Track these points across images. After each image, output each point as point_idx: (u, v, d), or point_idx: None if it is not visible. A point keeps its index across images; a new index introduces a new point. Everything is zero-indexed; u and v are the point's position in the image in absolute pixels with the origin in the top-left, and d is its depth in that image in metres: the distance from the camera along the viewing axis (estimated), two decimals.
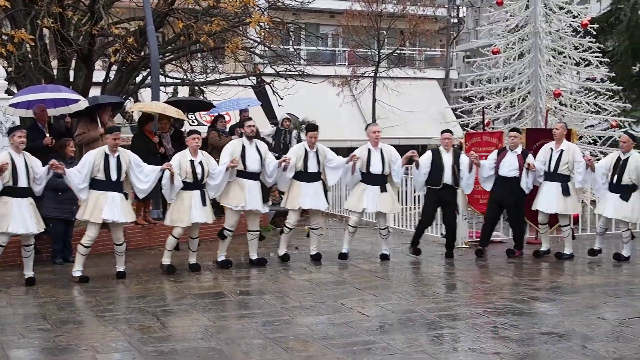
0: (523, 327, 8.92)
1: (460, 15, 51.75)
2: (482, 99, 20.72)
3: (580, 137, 18.91)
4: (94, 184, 11.75)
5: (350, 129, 38.02)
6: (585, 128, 19.92)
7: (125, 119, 22.13)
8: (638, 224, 15.52)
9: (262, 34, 20.15)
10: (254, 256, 13.29)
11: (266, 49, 22.66)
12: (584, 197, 16.85)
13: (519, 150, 14.00)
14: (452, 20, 48.24)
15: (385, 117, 37.56)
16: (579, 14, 19.73)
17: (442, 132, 14.28)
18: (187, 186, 12.35)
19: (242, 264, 13.37)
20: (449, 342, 8.29)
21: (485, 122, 18.10)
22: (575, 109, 19.52)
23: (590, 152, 18.75)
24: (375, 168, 13.61)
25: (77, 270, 11.81)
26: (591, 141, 19.60)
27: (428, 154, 14.08)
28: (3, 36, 15.74)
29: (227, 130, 17.83)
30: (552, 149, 13.92)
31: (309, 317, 9.50)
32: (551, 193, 13.78)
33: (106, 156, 11.77)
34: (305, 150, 13.45)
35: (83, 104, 14.02)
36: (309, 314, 9.70)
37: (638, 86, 29.68)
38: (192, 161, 12.38)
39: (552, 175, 13.80)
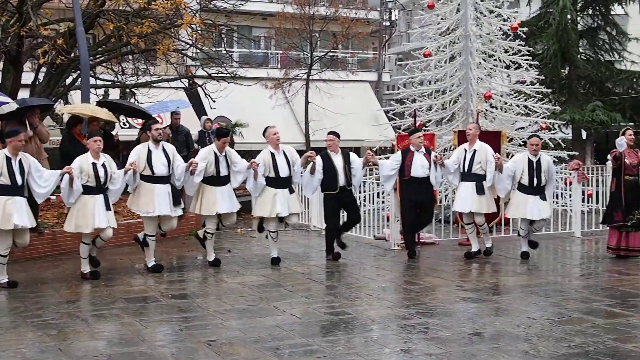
0: (454, 327, 8.99)
1: (393, 18, 52.14)
2: (414, 101, 20.88)
3: (511, 139, 19.17)
4: None
5: (283, 132, 37.98)
6: (516, 130, 20.18)
7: (55, 121, 21.82)
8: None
9: (194, 36, 20.04)
10: (150, 263, 12.93)
11: (198, 51, 22.56)
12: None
13: (423, 150, 14.16)
14: (384, 23, 48.54)
15: (318, 119, 37.62)
16: (509, 18, 20.01)
17: (328, 133, 14.30)
18: (89, 190, 12.00)
19: (174, 267, 13.28)
20: (381, 344, 8.32)
21: (417, 124, 18.24)
22: (505, 112, 19.78)
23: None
24: (284, 171, 13.51)
25: (2, 279, 11.57)
26: (521, 143, 19.86)
27: (319, 159, 13.91)
28: None
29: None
30: (465, 150, 14.10)
31: (241, 320, 9.46)
32: (467, 193, 13.94)
33: (8, 160, 11.41)
34: (216, 154, 13.23)
35: (11, 106, 13.79)
36: (242, 317, 9.66)
37: (567, 89, 30.21)
38: (94, 164, 12.04)
39: (467, 175, 13.98)
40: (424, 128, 19.76)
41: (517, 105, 19.80)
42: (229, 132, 13.49)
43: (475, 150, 13.95)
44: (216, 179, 13.19)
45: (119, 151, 16.05)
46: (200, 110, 29.91)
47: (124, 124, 29.28)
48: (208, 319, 9.51)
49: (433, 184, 14.17)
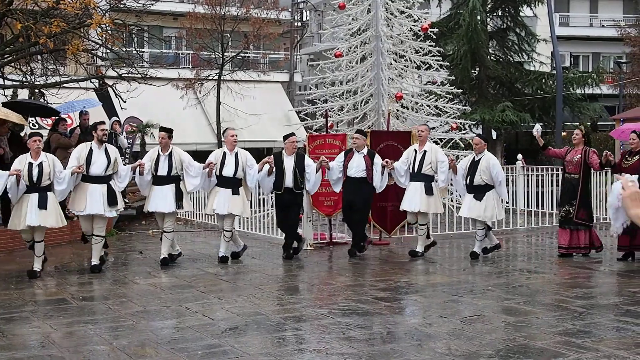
0: (367, 327, 9.07)
1: (304, 19, 52.26)
2: (325, 101, 21.02)
3: None
4: None
5: (195, 132, 37.91)
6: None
7: None
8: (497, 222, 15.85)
9: (104, 35, 19.84)
10: (94, 261, 12.97)
11: (108, 51, 22.33)
12: (443, 200, 17.31)
13: (364, 151, 14.29)
14: (295, 24, 48.64)
15: (230, 120, 37.53)
16: (419, 19, 20.25)
17: (287, 135, 14.46)
18: (27, 189, 12.23)
19: (85, 269, 13.14)
20: (295, 344, 8.37)
21: (329, 124, 18.36)
22: (417, 112, 20.02)
23: None
24: (228, 171, 13.73)
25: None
26: (433, 143, 20.13)
27: (271, 159, 14.25)
28: None
29: (68, 132, 17.51)
30: (415, 150, 14.32)
31: (153, 322, 9.43)
32: (415, 192, 14.13)
33: None
34: (158, 153, 13.48)
35: None
36: (154, 318, 9.63)
37: (477, 89, 30.72)
38: (30, 164, 12.19)
39: (416, 176, 14.18)
40: (336, 129, 19.89)
41: (428, 106, 20.06)
42: (170, 129, 13.58)
43: (425, 151, 14.18)
44: (156, 178, 13.45)
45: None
46: (111, 110, 29.60)
47: (32, 125, 28.80)
48: (119, 321, 9.44)
49: (376, 188, 14.40)
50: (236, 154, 13.88)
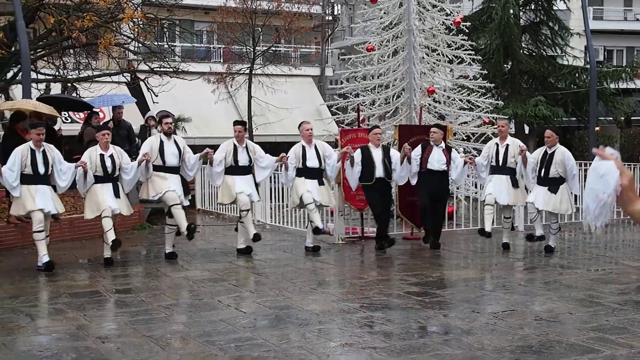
0: (399, 321, 9.06)
1: (335, 13, 52.24)
2: (357, 95, 20.96)
3: (455, 134, 19.32)
4: (22, 179, 12.23)
5: (226, 126, 37.97)
6: (459, 125, 20.36)
7: None
8: (566, 215, 15.85)
9: (136, 30, 19.93)
10: (168, 249, 13.61)
11: (140, 45, 22.42)
12: (458, 193, 17.28)
13: (443, 145, 14.47)
14: (327, 18, 48.61)
15: (262, 114, 37.63)
16: (451, 12, 20.13)
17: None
18: (98, 179, 12.78)
19: (118, 262, 13.21)
20: (326, 337, 8.36)
21: (361, 118, 18.33)
22: (448, 106, 19.93)
23: (464, 149, 19.22)
24: (312, 163, 14.16)
25: (43, 255, 12.25)
26: (465, 137, 20.05)
27: (358, 152, 14.47)
28: None
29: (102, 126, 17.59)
30: (497, 144, 14.51)
31: (185, 315, 9.47)
32: (502, 185, 14.30)
33: (32, 151, 12.27)
34: (234, 145, 13.80)
35: None
36: (186, 311, 9.67)
37: (510, 83, 30.54)
38: (102, 155, 12.84)
39: (500, 169, 14.38)
40: (367, 123, 19.86)
41: (460, 100, 19.96)
42: (245, 122, 13.96)
43: (507, 145, 14.39)
44: (236, 169, 13.81)
45: (61, 145, 15.91)
46: (142, 104, 29.75)
47: (65, 118, 29.00)
48: (152, 314, 9.49)
49: (455, 181, 15.03)
50: (315, 146, 14.32)
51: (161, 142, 13.38)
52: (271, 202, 18.33)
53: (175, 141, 13.53)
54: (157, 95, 21.97)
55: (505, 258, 13.80)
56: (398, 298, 10.36)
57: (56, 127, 16.82)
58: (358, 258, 14.09)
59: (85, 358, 7.58)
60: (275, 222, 17.82)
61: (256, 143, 14.90)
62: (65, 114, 28.11)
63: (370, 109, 20.55)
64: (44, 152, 12.38)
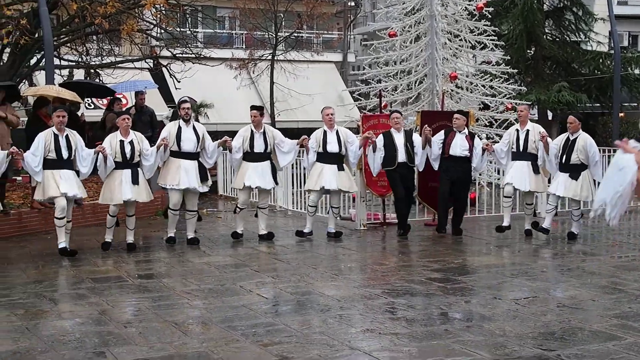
0: (420, 307, 9.05)
1: None
2: (379, 81, 20.93)
3: (477, 120, 19.26)
4: (46, 164, 12.25)
5: (248, 112, 37.92)
6: (481, 111, 20.28)
7: (20, 102, 21.68)
8: (588, 202, 15.74)
9: (158, 16, 19.94)
10: (190, 235, 13.69)
11: (162, 31, 22.45)
12: (480, 179, 17.23)
13: (466, 131, 14.47)
14: (349, 3, 48.46)
15: (284, 100, 37.61)
16: None
17: (391, 112, 14.98)
18: (118, 165, 12.79)
19: (140, 247, 13.27)
20: (348, 323, 8.35)
21: (383, 104, 18.29)
22: (471, 92, 19.86)
23: (487, 135, 19.15)
24: (332, 148, 14.15)
25: (61, 242, 12.32)
26: (487, 124, 19.97)
27: (380, 137, 14.44)
28: None
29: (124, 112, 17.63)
30: (517, 130, 14.40)
31: (207, 300, 9.48)
32: (522, 171, 14.21)
33: (55, 136, 12.31)
34: (252, 131, 13.85)
35: None
36: (207, 296, 9.68)
37: (533, 69, 30.38)
38: (121, 141, 12.83)
39: (521, 155, 14.27)
40: (389, 109, 19.81)
41: (483, 86, 19.89)
42: (262, 107, 14.07)
43: (528, 130, 14.28)
44: (251, 155, 13.87)
45: (84, 132, 15.96)
46: (165, 90, 29.82)
47: (88, 104, 29.09)
48: (174, 299, 9.53)
49: (476, 169, 15.01)
50: (337, 131, 14.29)
51: (179, 128, 13.41)
52: (293, 187, 18.33)
53: (194, 127, 13.54)
54: (179, 82, 22.00)
55: (528, 244, 13.76)
56: (420, 284, 10.34)
57: (79, 113, 16.85)
58: (380, 244, 14.09)
59: (107, 343, 7.62)
60: (297, 208, 17.82)
61: (278, 129, 14.91)
62: (88, 100, 28.19)
63: (392, 94, 20.51)
64: (67, 137, 12.42)
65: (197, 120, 20.01)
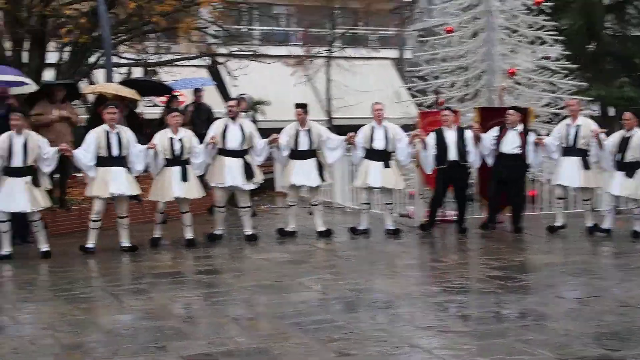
0: (480, 305, 8.96)
1: None
2: (436, 78, 20.77)
3: (537, 116, 19.04)
4: (98, 161, 12.38)
5: None
6: (541, 107, 20.04)
7: (80, 100, 21.92)
8: None
9: (215, 14, 20.03)
10: (248, 232, 13.59)
11: (219, 29, 22.55)
12: (540, 177, 17.03)
13: (519, 127, 14.23)
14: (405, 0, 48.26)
15: (340, 97, 37.55)
16: None
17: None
18: (167, 162, 12.84)
19: (200, 243, 13.31)
20: (407, 321, 8.29)
21: (440, 101, 18.18)
22: (530, 88, 19.62)
23: (548, 132, 18.92)
24: (378, 144, 13.98)
25: (89, 243, 12.41)
26: (547, 120, 19.74)
27: (432, 134, 14.30)
28: None
29: (183, 109, 17.74)
30: (568, 125, 14.14)
31: (266, 296, 9.49)
32: (573, 167, 13.94)
33: (107, 133, 12.42)
34: (297, 129, 13.84)
35: (30, 87, 13.95)
36: (266, 292, 9.69)
37: (593, 65, 29.95)
38: (171, 139, 12.85)
39: (571, 150, 13.96)
40: (446, 105, 19.68)
41: (543, 82, 19.66)
42: (304, 105, 14.11)
43: (579, 125, 13.99)
44: (296, 153, 13.85)
45: (142, 129, 16.05)
46: (222, 88, 29.99)
47: (147, 102, 29.31)
48: (234, 295, 9.57)
49: (532, 165, 14.49)
50: (385, 128, 14.14)
51: (226, 126, 13.39)
52: (350, 184, 18.27)
53: (240, 125, 13.47)
54: (236, 79, 22.11)
55: (589, 243, 13.56)
56: (479, 282, 10.26)
57: (138, 111, 16.98)
58: (439, 241, 14.00)
59: (168, 337, 7.65)
60: (355, 205, 17.78)
61: (335, 126, 14.89)
62: (146, 99, 28.42)
63: (450, 91, 20.36)
64: (118, 134, 12.48)
65: (253, 118, 20.06)
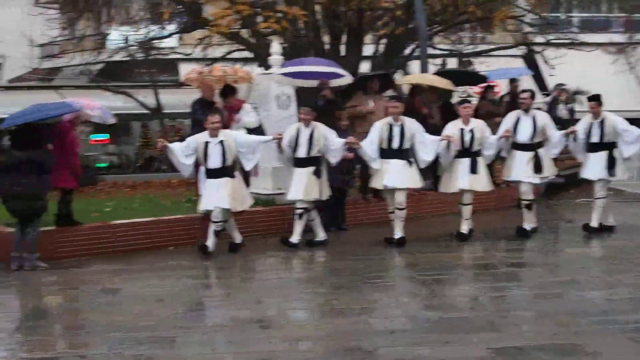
0: None
1: None
2: None
3: None
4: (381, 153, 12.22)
5: (623, 100, 36.49)
6: None
7: (394, 91, 22.31)
8: None
9: (531, 1, 19.69)
10: (525, 225, 12.76)
11: (536, 17, 22.14)
12: None
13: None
14: None
15: None
16: None
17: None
18: (458, 154, 12.49)
19: (511, 235, 13.01)
20: None
21: None
22: None
23: None
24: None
25: (397, 232, 12.23)
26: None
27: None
28: (278, 13, 16.22)
29: (498, 99, 17.62)
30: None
31: (582, 292, 9.18)
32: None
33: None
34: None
35: (347, 79, 14.30)
36: (583, 288, 9.37)
37: None
38: (462, 130, 12.51)
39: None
40: None
41: None
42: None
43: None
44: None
45: (426, 119, 15.77)
46: (538, 77, 29.47)
47: (462, 92, 29.40)
48: (547, 289, 9.37)
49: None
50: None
51: (518, 118, 12.78)
52: None
53: (533, 117, 12.74)
54: (553, 68, 21.61)
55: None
56: None
57: (452, 102, 16.99)
58: None
59: (477, 329, 7.60)
60: None
61: None
62: (460, 89, 28.48)
63: None
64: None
65: (572, 108, 19.52)
